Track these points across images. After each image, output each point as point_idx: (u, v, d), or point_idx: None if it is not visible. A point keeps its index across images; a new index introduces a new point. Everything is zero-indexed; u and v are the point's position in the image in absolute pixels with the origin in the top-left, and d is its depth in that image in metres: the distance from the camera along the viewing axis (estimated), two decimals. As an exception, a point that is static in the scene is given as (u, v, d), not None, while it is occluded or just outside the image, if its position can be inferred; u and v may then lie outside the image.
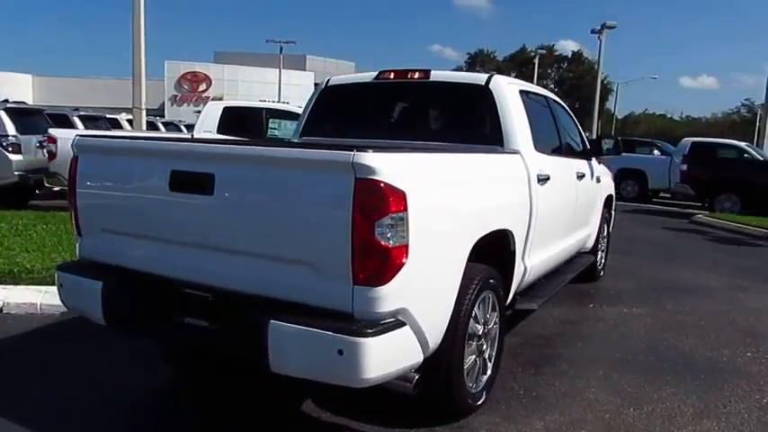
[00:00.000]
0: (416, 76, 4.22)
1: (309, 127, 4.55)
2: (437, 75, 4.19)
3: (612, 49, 30.72)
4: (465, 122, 4.24)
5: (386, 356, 2.43)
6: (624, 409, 3.45)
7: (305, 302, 2.50)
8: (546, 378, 3.84)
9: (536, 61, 48.08)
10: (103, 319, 2.97)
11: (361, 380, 2.39)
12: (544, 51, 64.96)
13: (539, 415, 3.33)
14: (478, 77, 4.08)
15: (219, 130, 8.94)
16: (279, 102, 30.66)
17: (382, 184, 2.34)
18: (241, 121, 9.20)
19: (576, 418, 3.32)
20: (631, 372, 4.00)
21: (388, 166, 2.38)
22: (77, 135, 3.16)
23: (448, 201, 2.77)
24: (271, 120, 9.21)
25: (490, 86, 3.97)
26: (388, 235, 2.36)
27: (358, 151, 2.34)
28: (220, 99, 40.04)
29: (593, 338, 4.71)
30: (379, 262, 2.38)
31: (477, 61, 75.21)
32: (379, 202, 2.34)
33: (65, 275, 3.14)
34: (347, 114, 4.60)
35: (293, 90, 44.28)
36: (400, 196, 2.38)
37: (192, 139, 2.97)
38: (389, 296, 2.42)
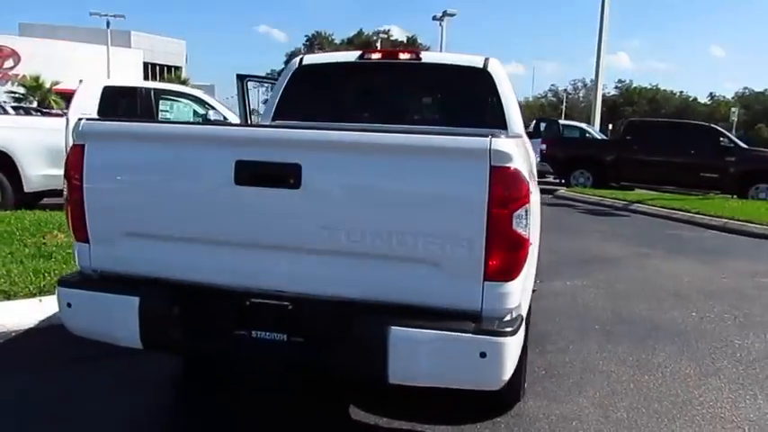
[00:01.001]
0: (407, 56, 4.03)
1: (283, 109, 4.15)
2: (429, 56, 4.05)
3: (446, 38, 32.32)
4: (464, 106, 4.15)
5: (517, 354, 2.31)
6: (640, 377, 3.66)
7: (423, 304, 2.27)
8: (555, 356, 3.95)
9: (378, 45, 49.02)
10: (141, 341, 2.47)
11: (501, 381, 2.24)
12: (385, 36, 66.55)
13: (576, 392, 3.41)
14: (474, 59, 4.02)
15: (100, 113, 7.90)
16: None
17: (517, 173, 2.19)
18: (125, 103, 8.21)
19: (609, 391, 3.45)
20: (619, 342, 4.26)
21: (516, 152, 2.23)
22: (84, 119, 2.55)
23: (535, 187, 2.69)
24: (162, 101, 8.33)
25: (488, 69, 3.92)
26: (522, 226, 2.22)
27: (493, 137, 2.16)
28: (37, 79, 35.55)
29: (564, 312, 4.93)
30: (514, 255, 2.23)
31: (315, 44, 74.91)
32: (516, 192, 2.19)
33: (76, 292, 2.55)
34: (327, 97, 4.29)
35: (119, 68, 40.33)
36: (527, 184, 2.25)
37: (263, 125, 2.51)
38: (515, 291, 2.29)
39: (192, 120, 8.37)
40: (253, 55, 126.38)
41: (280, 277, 2.41)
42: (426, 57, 4.01)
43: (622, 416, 3.16)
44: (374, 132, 2.47)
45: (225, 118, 8.33)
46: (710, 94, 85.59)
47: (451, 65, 4.06)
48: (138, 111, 7.98)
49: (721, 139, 14.47)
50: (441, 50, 34.46)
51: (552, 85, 64.28)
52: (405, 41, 73.41)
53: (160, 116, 8.15)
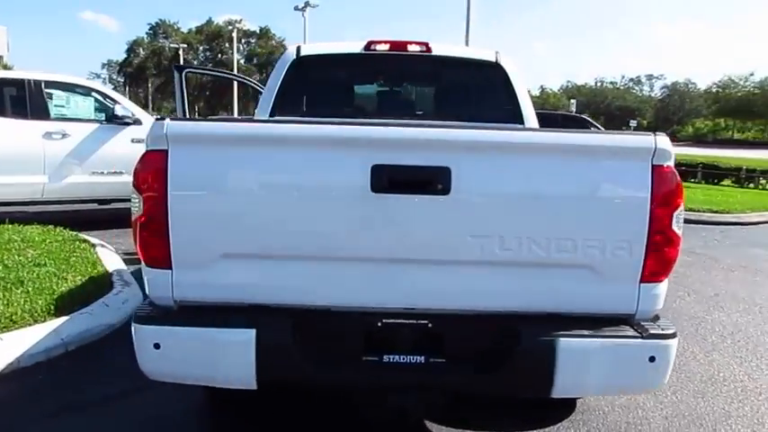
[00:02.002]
0: (416, 49, 3.84)
1: (281, 105, 3.78)
2: (440, 49, 3.88)
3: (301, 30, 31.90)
4: (479, 101, 4.02)
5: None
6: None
7: (578, 311, 2.17)
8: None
9: (234, 35, 47.12)
10: (256, 380, 2.09)
11: (663, 383, 2.20)
12: (240, 25, 64.20)
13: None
14: (485, 53, 3.93)
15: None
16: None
17: (674, 171, 2.15)
18: (10, 97, 7.04)
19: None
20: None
21: (672, 150, 2.18)
22: (168, 119, 2.08)
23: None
24: (54, 94, 7.26)
25: (501, 63, 3.86)
26: (679, 225, 2.19)
27: (656, 135, 2.10)
28: None
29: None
30: (670, 255, 2.19)
31: (159, 33, 70.38)
32: (675, 191, 2.14)
33: (168, 330, 2.09)
34: (329, 91, 3.97)
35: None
36: (681, 184, 2.20)
37: (405, 124, 2.16)
38: (663, 292, 2.25)
39: (93, 116, 7.38)
40: (81, 42, 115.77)
41: (418, 294, 2.16)
42: (436, 49, 3.84)
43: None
44: (521, 132, 2.29)
45: (132, 114, 7.46)
46: (541, 86, 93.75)
47: (464, 58, 3.93)
48: (27, 106, 6.84)
49: (591, 128, 15.83)
50: (305, 41, 34.03)
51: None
52: (257, 31, 71.55)
53: (54, 112, 7.07)
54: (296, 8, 34.38)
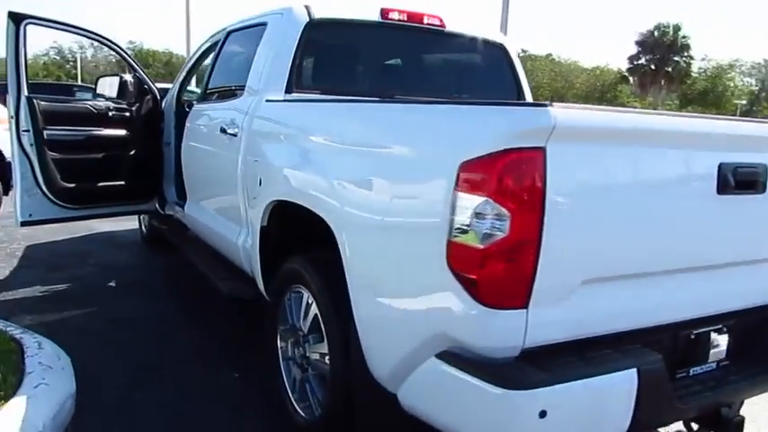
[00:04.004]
0: (432, 22, 3.48)
1: (297, 79, 3.06)
2: (452, 24, 3.58)
3: None
4: (485, 79, 3.79)
5: None
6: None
7: None
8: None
9: None
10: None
11: None
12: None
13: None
14: (490, 32, 3.76)
15: None
16: None
17: None
18: None
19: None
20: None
21: None
22: (553, 107, 1.49)
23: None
24: None
25: (504, 43, 3.76)
26: None
27: None
28: None
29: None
30: None
31: None
32: None
33: (555, 391, 1.54)
34: (344, 63, 3.41)
35: None
36: None
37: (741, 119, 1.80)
38: None
39: None
40: None
41: (727, 297, 2.04)
42: (449, 25, 3.50)
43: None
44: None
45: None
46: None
47: (474, 36, 3.67)
48: None
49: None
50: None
51: (54, 42, 56.88)
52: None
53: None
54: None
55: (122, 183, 4.60)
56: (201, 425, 2.63)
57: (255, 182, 2.79)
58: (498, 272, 1.55)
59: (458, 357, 1.64)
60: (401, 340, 1.83)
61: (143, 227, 5.74)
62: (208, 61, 4.21)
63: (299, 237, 2.77)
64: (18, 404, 2.40)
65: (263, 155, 2.75)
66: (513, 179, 1.51)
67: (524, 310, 1.59)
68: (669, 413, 1.82)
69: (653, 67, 42.92)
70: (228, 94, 3.56)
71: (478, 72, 3.83)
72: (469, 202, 1.56)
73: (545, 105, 1.50)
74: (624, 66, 44.50)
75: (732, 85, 45.39)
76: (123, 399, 2.79)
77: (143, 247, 5.62)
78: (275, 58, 3.09)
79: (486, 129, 1.59)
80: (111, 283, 4.53)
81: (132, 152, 4.62)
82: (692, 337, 1.98)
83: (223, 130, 3.21)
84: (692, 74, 43.87)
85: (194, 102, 4.98)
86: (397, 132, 1.94)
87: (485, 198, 1.53)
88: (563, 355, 1.68)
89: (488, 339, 1.60)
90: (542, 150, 1.52)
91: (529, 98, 3.83)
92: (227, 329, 3.69)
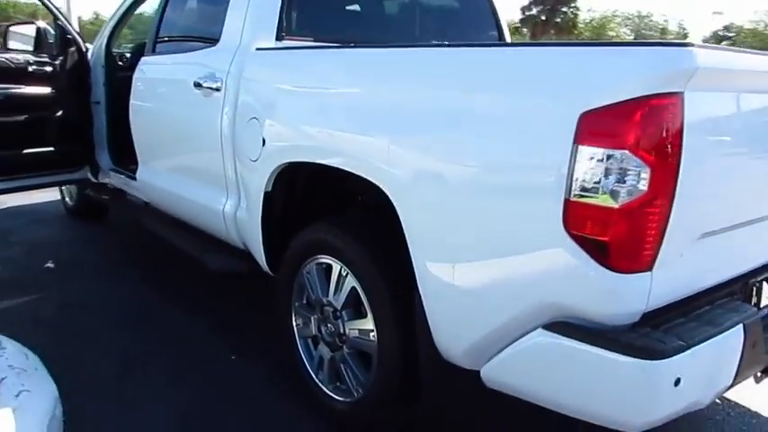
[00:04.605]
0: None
1: (288, 25, 2.73)
2: None
3: None
4: (467, 23, 3.55)
5: None
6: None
7: None
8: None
9: None
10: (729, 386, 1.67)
11: None
12: None
13: None
14: None
15: None
16: None
17: None
18: None
19: None
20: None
21: None
22: (693, 47, 1.33)
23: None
24: None
25: None
26: None
27: None
28: None
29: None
30: None
31: None
32: None
33: (686, 356, 1.44)
34: (336, 7, 3.02)
35: None
36: None
37: None
38: None
39: None
40: None
41: None
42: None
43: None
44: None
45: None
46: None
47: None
48: None
49: None
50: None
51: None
52: None
53: None
54: None
55: (49, 149, 4.02)
56: (219, 422, 2.35)
57: (255, 142, 2.45)
58: (634, 233, 1.40)
59: (575, 328, 1.49)
60: (491, 313, 1.66)
61: (67, 198, 5.11)
62: (152, 5, 3.68)
63: (313, 203, 2.50)
64: (4, 420, 2.01)
65: (268, 112, 2.41)
66: (655, 129, 1.35)
67: (650, 272, 1.46)
68: (760, 364, 1.79)
69: (543, 18, 44.54)
70: (194, 43, 3.11)
71: (465, 16, 3.60)
72: (598, 157, 1.39)
73: (687, 45, 1.35)
74: (517, 17, 45.78)
75: (614, 34, 48.08)
76: (114, 399, 2.44)
77: (70, 221, 5.01)
78: (254, 4, 2.68)
79: (618, 72, 1.41)
80: (48, 264, 3.99)
81: (59, 113, 4.03)
82: (757, 284, 1.96)
83: (198, 85, 2.80)
84: (579, 24, 46.01)
85: (127, 54, 4.43)
86: (496, 79, 1.67)
87: (621, 151, 1.36)
88: (672, 317, 1.58)
89: (614, 306, 1.46)
90: (681, 96, 1.37)
91: (507, 34, 3.67)
92: (210, 310, 3.32)
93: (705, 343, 1.49)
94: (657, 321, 1.53)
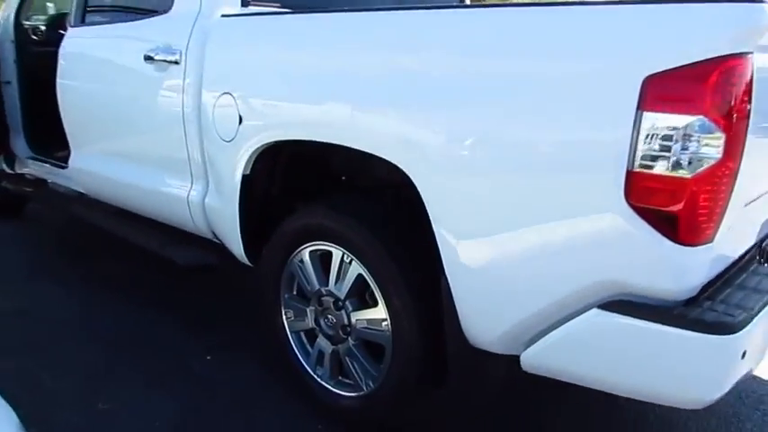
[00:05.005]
0: None
1: None
2: None
3: None
4: None
5: None
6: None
7: None
8: None
9: None
10: None
11: None
12: None
13: None
14: None
15: None
16: None
17: None
18: None
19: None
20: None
21: None
22: (764, 5, 1.24)
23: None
24: None
25: None
26: None
27: None
28: None
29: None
30: None
31: None
32: None
33: (755, 325, 1.39)
34: None
35: None
36: None
37: None
38: None
39: None
40: None
41: None
42: None
43: None
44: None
45: None
46: None
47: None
48: None
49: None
50: None
51: None
52: None
53: None
54: None
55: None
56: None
57: (228, 120, 2.19)
58: (706, 203, 1.32)
59: (638, 307, 1.41)
60: (535, 295, 1.55)
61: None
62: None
63: (297, 186, 2.29)
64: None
65: (246, 86, 2.15)
66: (730, 92, 1.27)
67: (712, 244, 1.40)
68: None
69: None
70: (137, 11, 2.76)
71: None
72: (668, 124, 1.29)
73: (759, 1, 1.27)
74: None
75: None
76: (85, 417, 2.15)
77: (-20, 217, 4.44)
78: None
79: (686, 32, 1.30)
80: (-30, 267, 3.50)
81: (-35, 97, 3.54)
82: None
83: (149, 58, 2.48)
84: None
85: (42, 27, 3.95)
86: (544, 41, 1.52)
87: (696, 117, 1.27)
88: (721, 288, 1.54)
89: (679, 282, 1.39)
90: (750, 56, 1.29)
91: None
92: (176, 308, 3.01)
93: (761, 313, 1.46)
94: (710, 293, 1.48)
